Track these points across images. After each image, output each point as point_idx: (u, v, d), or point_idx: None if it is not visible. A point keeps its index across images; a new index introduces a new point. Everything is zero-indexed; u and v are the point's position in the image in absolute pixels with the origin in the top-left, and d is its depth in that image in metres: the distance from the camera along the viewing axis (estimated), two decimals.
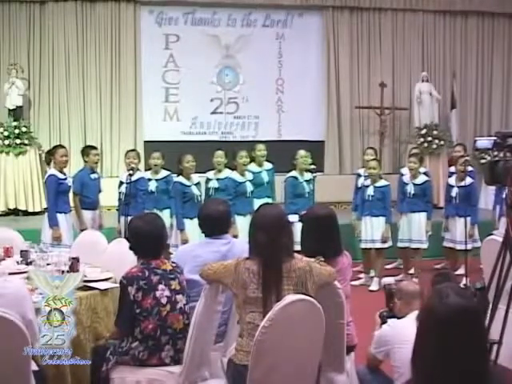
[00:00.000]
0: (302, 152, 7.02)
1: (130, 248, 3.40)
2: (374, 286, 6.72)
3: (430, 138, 10.36)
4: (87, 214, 6.45)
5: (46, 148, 9.14)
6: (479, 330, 1.92)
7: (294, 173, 6.98)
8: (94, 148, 6.95)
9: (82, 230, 6.20)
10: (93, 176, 6.66)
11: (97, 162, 6.78)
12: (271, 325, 2.67)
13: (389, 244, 6.86)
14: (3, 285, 2.87)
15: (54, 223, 6.08)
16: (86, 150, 6.78)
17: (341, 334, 3.11)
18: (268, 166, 7.25)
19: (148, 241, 3.31)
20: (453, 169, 7.54)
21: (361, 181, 7.35)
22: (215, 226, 3.60)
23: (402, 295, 3.32)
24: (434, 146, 10.36)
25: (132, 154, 6.78)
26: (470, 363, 1.85)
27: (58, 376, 3.36)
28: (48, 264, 3.91)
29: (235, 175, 6.74)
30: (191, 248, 3.76)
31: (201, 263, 3.25)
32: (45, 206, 7.02)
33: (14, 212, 9.28)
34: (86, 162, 6.69)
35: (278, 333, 2.70)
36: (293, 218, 6.44)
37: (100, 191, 6.76)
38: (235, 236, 6.06)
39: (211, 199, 6.00)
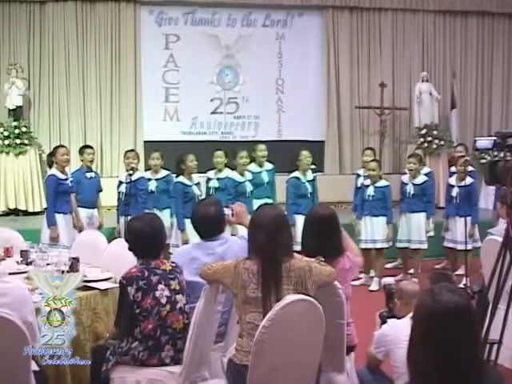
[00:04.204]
0: (305, 152, 7.01)
1: (129, 249, 3.40)
2: (374, 286, 6.71)
3: (429, 138, 10.35)
4: (82, 213, 6.49)
5: (46, 148, 9.18)
6: (471, 327, 1.92)
7: (296, 173, 6.95)
8: (89, 147, 7.04)
9: (75, 227, 6.23)
10: (89, 175, 6.70)
11: (91, 161, 6.88)
12: (271, 325, 2.67)
13: (389, 244, 6.87)
14: (4, 286, 2.87)
15: (51, 223, 6.09)
16: (82, 150, 6.95)
17: (341, 334, 3.11)
18: (268, 166, 7.24)
19: (147, 241, 3.31)
20: (453, 169, 7.53)
21: (360, 181, 7.34)
22: (208, 228, 3.58)
23: (401, 295, 3.32)
24: (434, 146, 10.35)
25: (131, 154, 6.82)
26: (462, 360, 1.85)
27: (58, 376, 3.36)
28: (48, 264, 3.91)
29: (235, 175, 6.75)
30: (188, 250, 3.71)
31: (199, 265, 3.24)
32: (45, 206, 7.03)
33: (14, 212, 9.27)
34: (82, 161, 6.83)
35: (277, 333, 2.70)
36: (297, 218, 6.47)
37: (100, 190, 6.79)
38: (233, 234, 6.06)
39: (201, 201, 5.95)
